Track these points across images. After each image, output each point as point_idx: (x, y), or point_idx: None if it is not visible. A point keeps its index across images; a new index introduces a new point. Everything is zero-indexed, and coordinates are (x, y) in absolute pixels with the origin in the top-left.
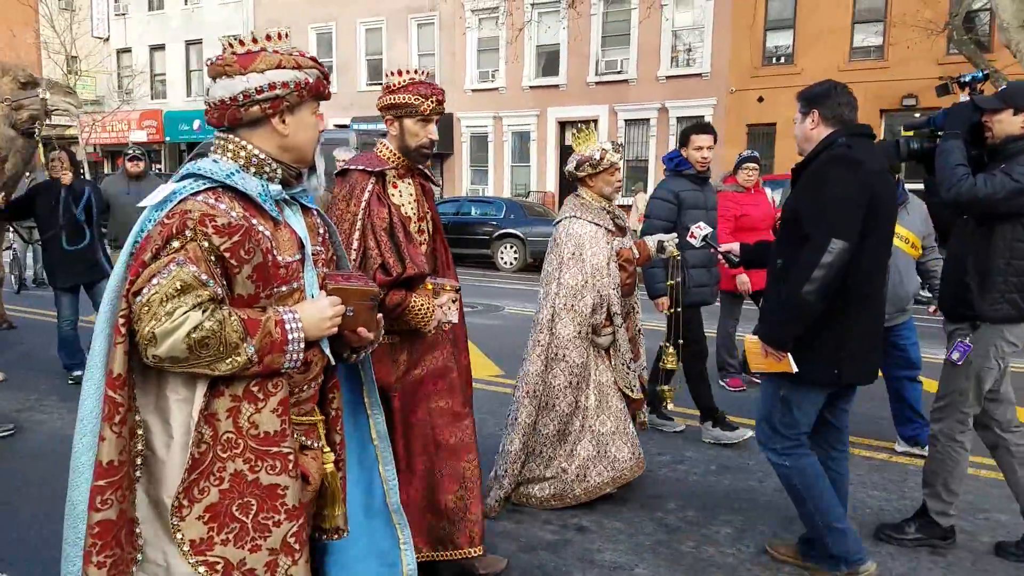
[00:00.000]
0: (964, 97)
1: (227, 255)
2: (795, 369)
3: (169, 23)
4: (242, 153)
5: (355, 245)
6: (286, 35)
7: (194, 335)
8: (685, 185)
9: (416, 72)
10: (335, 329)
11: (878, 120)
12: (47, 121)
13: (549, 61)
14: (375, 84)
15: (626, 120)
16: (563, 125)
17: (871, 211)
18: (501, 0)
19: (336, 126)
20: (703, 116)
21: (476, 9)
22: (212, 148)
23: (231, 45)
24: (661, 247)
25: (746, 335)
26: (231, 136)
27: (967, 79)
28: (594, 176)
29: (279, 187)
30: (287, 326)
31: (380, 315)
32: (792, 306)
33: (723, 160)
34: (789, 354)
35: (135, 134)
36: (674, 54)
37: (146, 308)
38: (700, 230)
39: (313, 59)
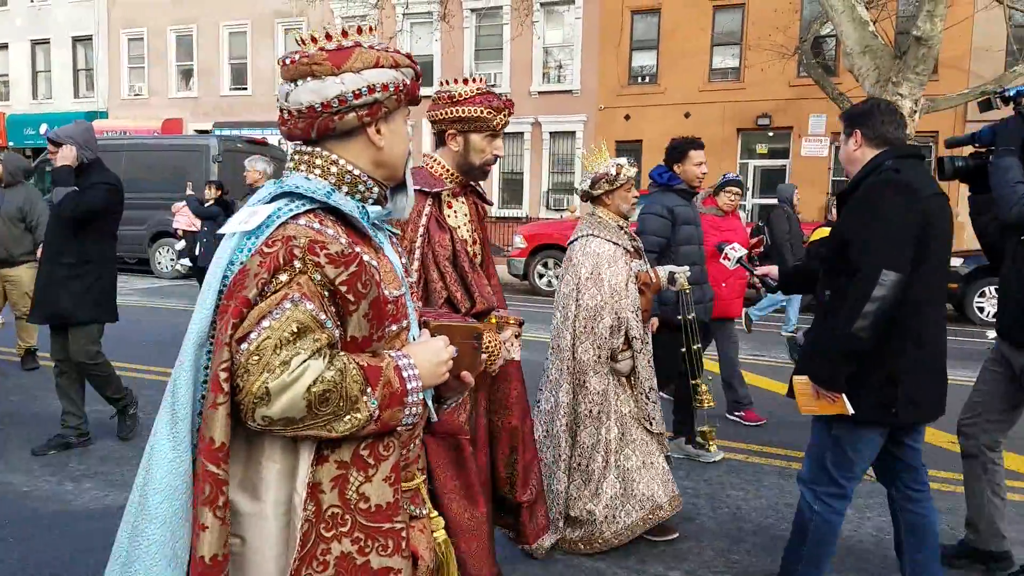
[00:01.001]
0: (1004, 111)
1: (343, 289)
2: (851, 411)
3: (13, 21)
4: (333, 169)
5: (413, 277)
6: (377, 28)
7: (315, 389)
8: (677, 200)
9: (483, 81)
10: (448, 375)
11: (735, 138)
12: None
13: (423, 72)
14: (238, 89)
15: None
16: None
17: (923, 238)
18: (371, 8)
19: (197, 132)
20: (574, 132)
21: (346, 16)
22: (294, 163)
23: (314, 40)
24: (672, 279)
25: (795, 376)
26: (317, 150)
27: (1011, 93)
28: (611, 193)
29: (378, 208)
30: (404, 373)
31: (483, 356)
32: (843, 343)
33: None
34: (844, 395)
35: None
36: (546, 70)
37: (256, 357)
38: (734, 252)
39: (408, 56)
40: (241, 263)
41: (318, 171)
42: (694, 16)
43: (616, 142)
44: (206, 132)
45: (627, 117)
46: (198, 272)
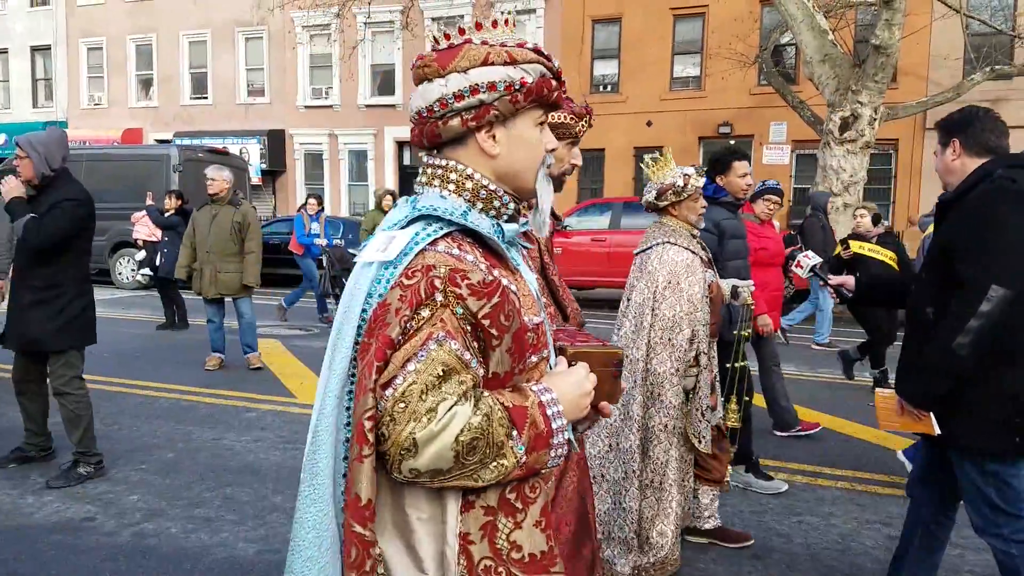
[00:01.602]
0: None
1: (486, 323)
2: (937, 431)
3: None
4: (468, 184)
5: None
6: (510, 22)
7: (463, 438)
8: (723, 213)
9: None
10: (589, 408)
11: (696, 146)
12: None
13: (385, 80)
14: (199, 98)
15: None
16: (401, 145)
17: None
18: (333, 17)
19: (157, 141)
20: None
21: (307, 25)
22: (426, 178)
23: (436, 41)
24: (736, 293)
25: (877, 390)
26: (452, 163)
27: None
28: (677, 204)
29: (514, 226)
30: (548, 411)
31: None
32: (941, 360)
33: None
34: (932, 414)
35: None
36: None
37: (402, 405)
38: (808, 259)
39: (537, 50)
40: (380, 296)
41: (452, 187)
42: (655, 25)
43: (580, 150)
44: (167, 142)
45: (589, 126)
46: (159, 282)
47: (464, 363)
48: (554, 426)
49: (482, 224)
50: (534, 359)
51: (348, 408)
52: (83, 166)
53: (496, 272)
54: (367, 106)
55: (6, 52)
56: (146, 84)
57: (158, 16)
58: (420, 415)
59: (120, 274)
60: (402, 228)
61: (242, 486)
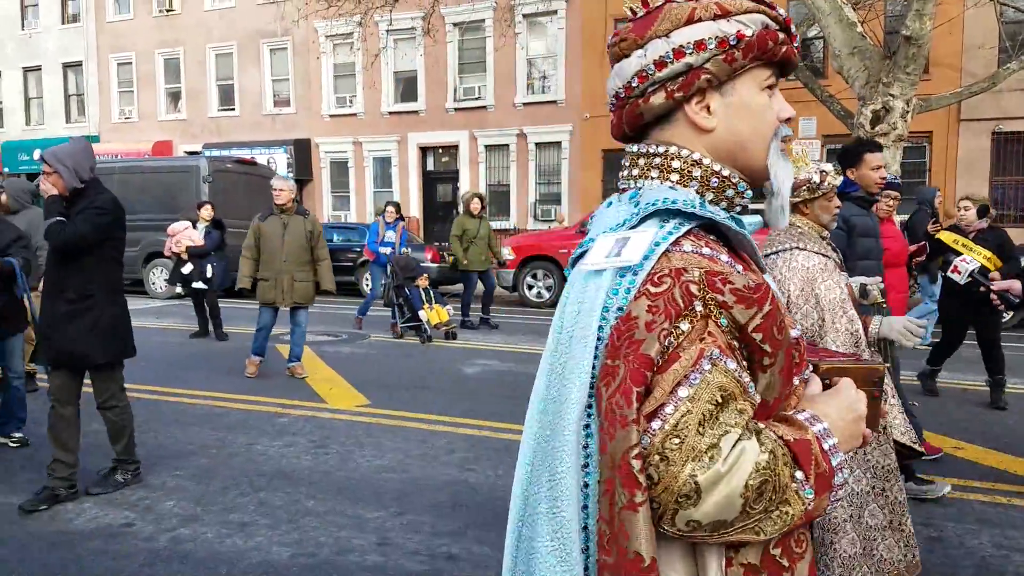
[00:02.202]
0: None
1: (757, 337)
2: None
3: (3, 49)
4: (696, 172)
5: None
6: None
7: (752, 481)
8: (853, 209)
9: None
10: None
11: None
12: None
13: (407, 87)
14: (226, 109)
15: (486, 146)
16: (424, 151)
17: None
18: (355, 26)
19: (187, 153)
20: (560, 142)
21: (331, 35)
22: (639, 169)
23: (632, 12)
24: (864, 291)
25: None
26: (674, 148)
27: None
28: (810, 202)
29: (756, 218)
30: (824, 445)
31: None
32: None
33: (586, 187)
34: None
35: None
36: (529, 81)
37: (676, 440)
38: (966, 264)
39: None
40: (619, 309)
41: (676, 176)
42: None
43: (603, 151)
44: (196, 153)
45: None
46: (195, 291)
47: (743, 387)
48: (833, 463)
49: (718, 215)
50: (796, 381)
51: (585, 447)
52: (115, 179)
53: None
54: (391, 113)
55: (39, 69)
56: (175, 97)
57: (185, 30)
58: (701, 453)
59: (153, 284)
60: (632, 227)
61: (275, 491)
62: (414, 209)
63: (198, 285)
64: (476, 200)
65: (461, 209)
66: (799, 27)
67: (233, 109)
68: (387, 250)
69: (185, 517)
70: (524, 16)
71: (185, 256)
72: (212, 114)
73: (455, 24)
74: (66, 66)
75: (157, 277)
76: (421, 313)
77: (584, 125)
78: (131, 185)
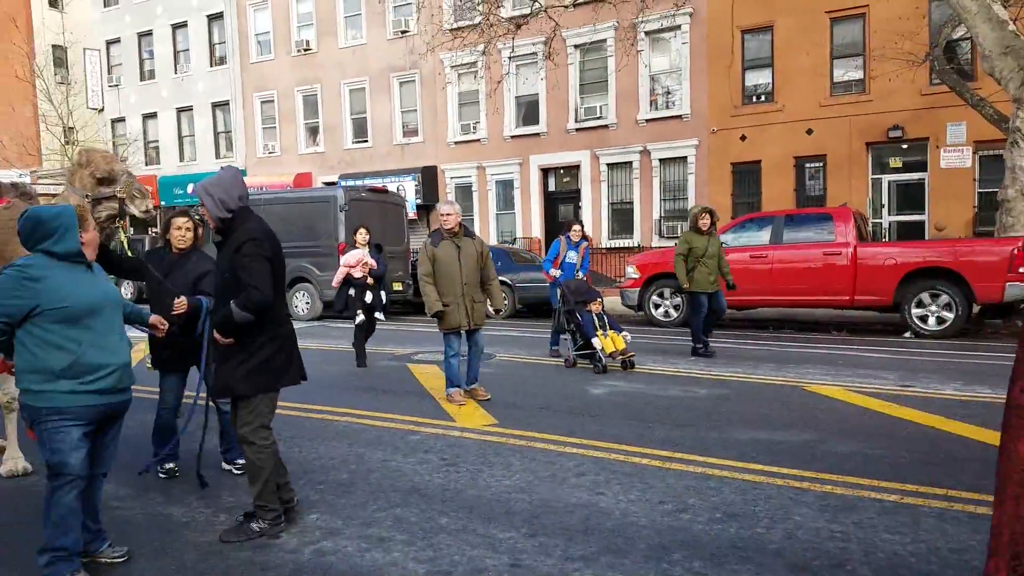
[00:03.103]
0: None
1: None
2: None
3: (160, 92)
4: None
5: None
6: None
7: None
8: None
9: None
10: None
11: (864, 153)
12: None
13: (529, 110)
14: (360, 141)
15: (608, 164)
16: (546, 172)
17: None
18: (479, 55)
19: (324, 183)
20: (686, 157)
21: (455, 65)
22: None
23: None
24: None
25: None
26: None
27: None
28: None
29: None
30: None
31: None
32: None
33: (714, 202)
34: None
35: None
36: (652, 97)
37: None
38: None
39: None
40: None
41: None
42: (810, 30)
43: (732, 164)
44: (332, 183)
45: (743, 138)
46: (372, 319)
47: None
48: None
49: None
50: None
51: None
52: (261, 210)
53: None
54: (512, 137)
55: (191, 109)
56: (313, 131)
57: (321, 68)
58: None
59: (296, 307)
60: None
61: (410, 507)
62: (536, 229)
63: (379, 315)
64: (706, 215)
65: (688, 225)
66: (943, 28)
67: (366, 141)
68: (556, 272)
69: (327, 530)
70: (646, 33)
71: (371, 280)
72: (347, 146)
73: (576, 46)
74: (215, 105)
75: (300, 301)
76: (595, 340)
77: (712, 139)
78: (275, 215)
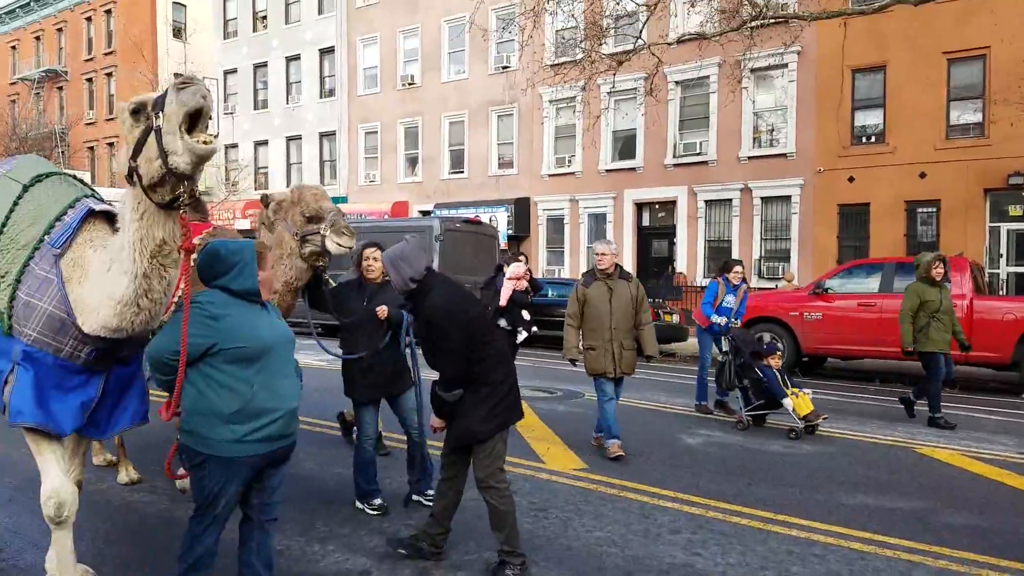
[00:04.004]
0: None
1: None
2: None
3: (272, 121)
4: None
5: None
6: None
7: None
8: None
9: None
10: None
11: (982, 199)
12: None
13: (626, 145)
14: (456, 172)
15: (706, 200)
16: (640, 207)
17: None
18: (578, 91)
19: (420, 212)
20: (790, 196)
21: (554, 100)
22: None
23: None
24: None
25: None
26: None
27: None
28: None
29: None
30: None
31: None
32: None
33: (819, 244)
34: None
35: (239, 222)
36: (756, 135)
37: None
38: None
39: None
40: None
41: None
42: (925, 71)
43: (839, 205)
44: (428, 212)
45: (851, 179)
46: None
47: None
48: None
49: None
50: None
51: None
52: (362, 236)
53: None
54: (607, 171)
55: (299, 138)
56: (412, 162)
57: (424, 102)
58: None
59: None
60: None
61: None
62: (628, 265)
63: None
64: (939, 264)
65: (918, 274)
66: None
67: (462, 172)
68: (722, 319)
69: (418, 569)
70: (752, 71)
71: (531, 293)
72: (444, 177)
73: (677, 82)
74: (322, 135)
75: None
76: (787, 402)
77: (818, 179)
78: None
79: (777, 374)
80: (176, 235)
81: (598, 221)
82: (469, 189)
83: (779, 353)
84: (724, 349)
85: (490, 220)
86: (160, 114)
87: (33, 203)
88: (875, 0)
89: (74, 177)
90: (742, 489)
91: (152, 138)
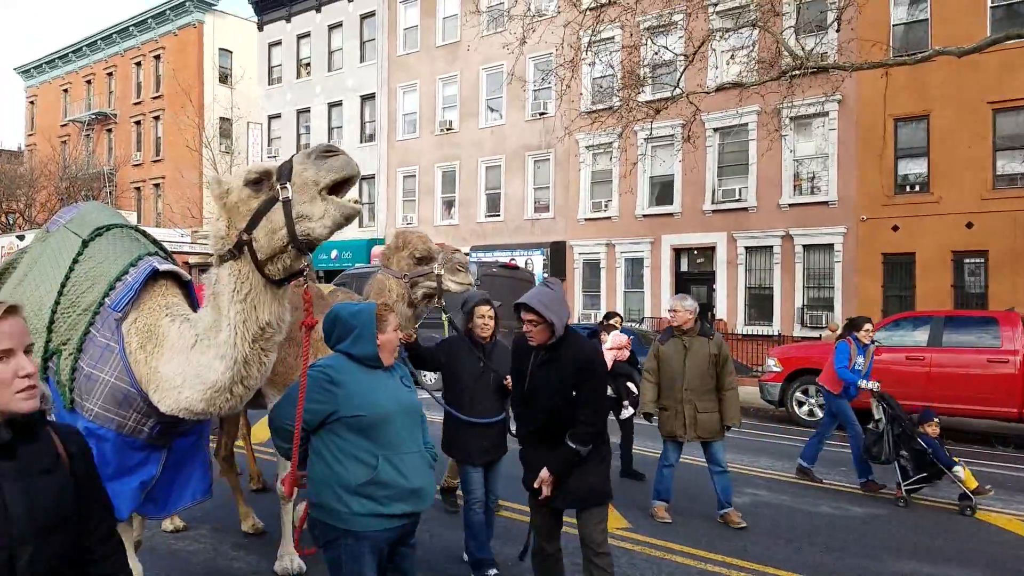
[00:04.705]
0: None
1: None
2: None
3: None
4: None
5: None
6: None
7: None
8: None
9: None
10: None
11: None
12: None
13: (663, 190)
14: (492, 215)
15: (746, 247)
16: (678, 252)
17: None
18: (615, 137)
19: None
20: (832, 244)
21: (590, 146)
22: None
23: None
24: None
25: None
26: None
27: None
28: None
29: None
30: None
31: None
32: None
33: (863, 293)
34: None
35: None
36: (796, 182)
37: None
38: None
39: None
40: None
41: None
42: (969, 121)
43: (883, 255)
44: (466, 255)
45: (895, 228)
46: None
47: None
48: None
49: None
50: None
51: None
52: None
53: None
54: (644, 216)
55: None
56: (449, 205)
57: (461, 147)
58: None
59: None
60: None
61: None
62: (663, 310)
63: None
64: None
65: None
66: None
67: (498, 215)
68: (871, 385)
69: None
70: (791, 118)
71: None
72: (480, 219)
73: (716, 129)
74: (362, 179)
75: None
76: (958, 470)
77: (861, 227)
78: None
79: (938, 442)
80: (282, 317)
81: (635, 266)
82: (505, 232)
83: (936, 420)
84: (876, 417)
85: (526, 263)
86: (288, 184)
87: (93, 260)
88: (917, 50)
89: (136, 229)
90: (791, 554)
91: (278, 209)
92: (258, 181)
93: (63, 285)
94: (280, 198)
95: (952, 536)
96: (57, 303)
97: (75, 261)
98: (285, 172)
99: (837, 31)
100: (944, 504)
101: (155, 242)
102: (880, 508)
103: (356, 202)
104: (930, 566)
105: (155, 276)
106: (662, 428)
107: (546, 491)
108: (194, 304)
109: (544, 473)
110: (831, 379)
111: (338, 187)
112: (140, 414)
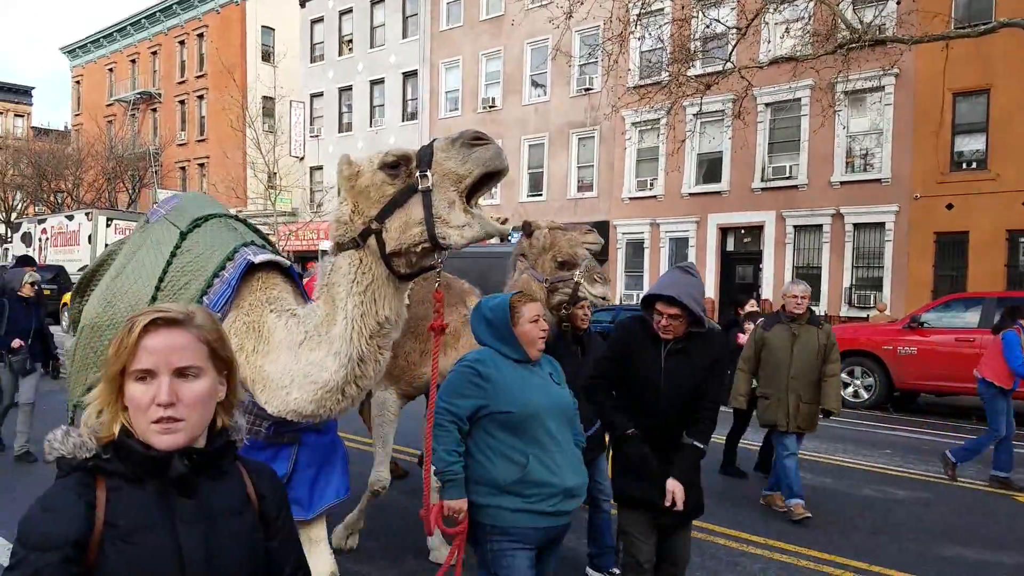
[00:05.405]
0: None
1: None
2: None
3: (356, 144)
4: None
5: None
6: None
7: None
8: None
9: None
10: None
11: None
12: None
13: (711, 168)
14: (535, 195)
15: (795, 226)
16: (725, 231)
17: None
18: (663, 113)
19: None
20: (883, 223)
21: (637, 122)
22: None
23: None
24: None
25: None
26: None
27: None
28: None
29: None
30: None
31: None
32: None
33: (914, 274)
34: None
35: (323, 243)
36: (849, 159)
37: None
38: None
39: None
40: None
41: None
42: None
43: (936, 234)
44: (507, 239)
45: (950, 206)
46: None
47: None
48: None
49: None
50: None
51: None
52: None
53: None
54: (691, 194)
55: None
56: None
57: (504, 124)
58: None
59: None
60: None
61: None
62: (710, 291)
63: None
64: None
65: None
66: None
67: (541, 195)
68: None
69: None
70: (845, 93)
71: None
72: (521, 199)
73: (767, 104)
74: None
75: None
76: None
77: (914, 206)
78: (452, 267)
79: None
80: (401, 314)
81: (680, 245)
82: (547, 212)
83: None
84: None
85: None
86: (428, 172)
87: (191, 253)
88: (981, 22)
89: (235, 218)
90: (834, 538)
91: (416, 201)
92: (396, 165)
93: (160, 280)
94: (420, 188)
95: (995, 522)
96: (154, 298)
97: (173, 254)
98: (425, 158)
99: (898, 2)
100: (989, 488)
101: (254, 229)
102: (925, 492)
103: (503, 221)
104: (974, 551)
105: (252, 268)
106: (762, 418)
107: (680, 503)
108: (301, 293)
109: (672, 483)
110: (1000, 373)
111: (481, 181)
112: (252, 415)
